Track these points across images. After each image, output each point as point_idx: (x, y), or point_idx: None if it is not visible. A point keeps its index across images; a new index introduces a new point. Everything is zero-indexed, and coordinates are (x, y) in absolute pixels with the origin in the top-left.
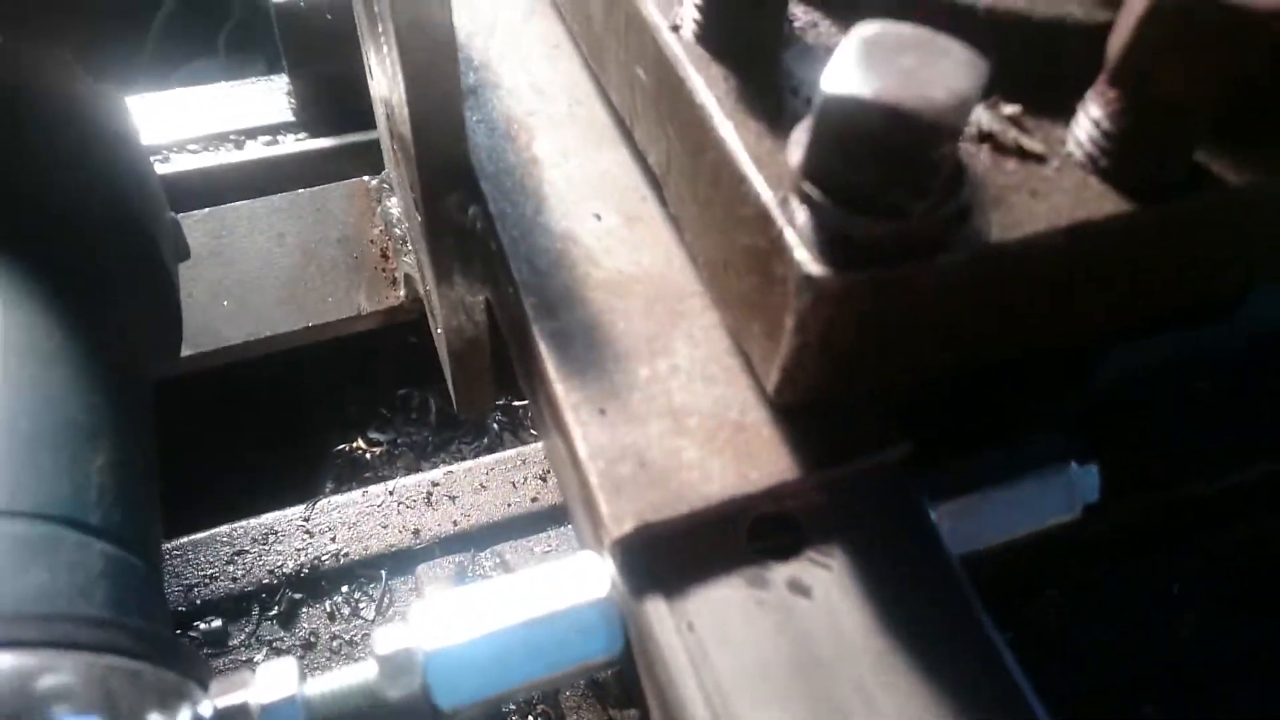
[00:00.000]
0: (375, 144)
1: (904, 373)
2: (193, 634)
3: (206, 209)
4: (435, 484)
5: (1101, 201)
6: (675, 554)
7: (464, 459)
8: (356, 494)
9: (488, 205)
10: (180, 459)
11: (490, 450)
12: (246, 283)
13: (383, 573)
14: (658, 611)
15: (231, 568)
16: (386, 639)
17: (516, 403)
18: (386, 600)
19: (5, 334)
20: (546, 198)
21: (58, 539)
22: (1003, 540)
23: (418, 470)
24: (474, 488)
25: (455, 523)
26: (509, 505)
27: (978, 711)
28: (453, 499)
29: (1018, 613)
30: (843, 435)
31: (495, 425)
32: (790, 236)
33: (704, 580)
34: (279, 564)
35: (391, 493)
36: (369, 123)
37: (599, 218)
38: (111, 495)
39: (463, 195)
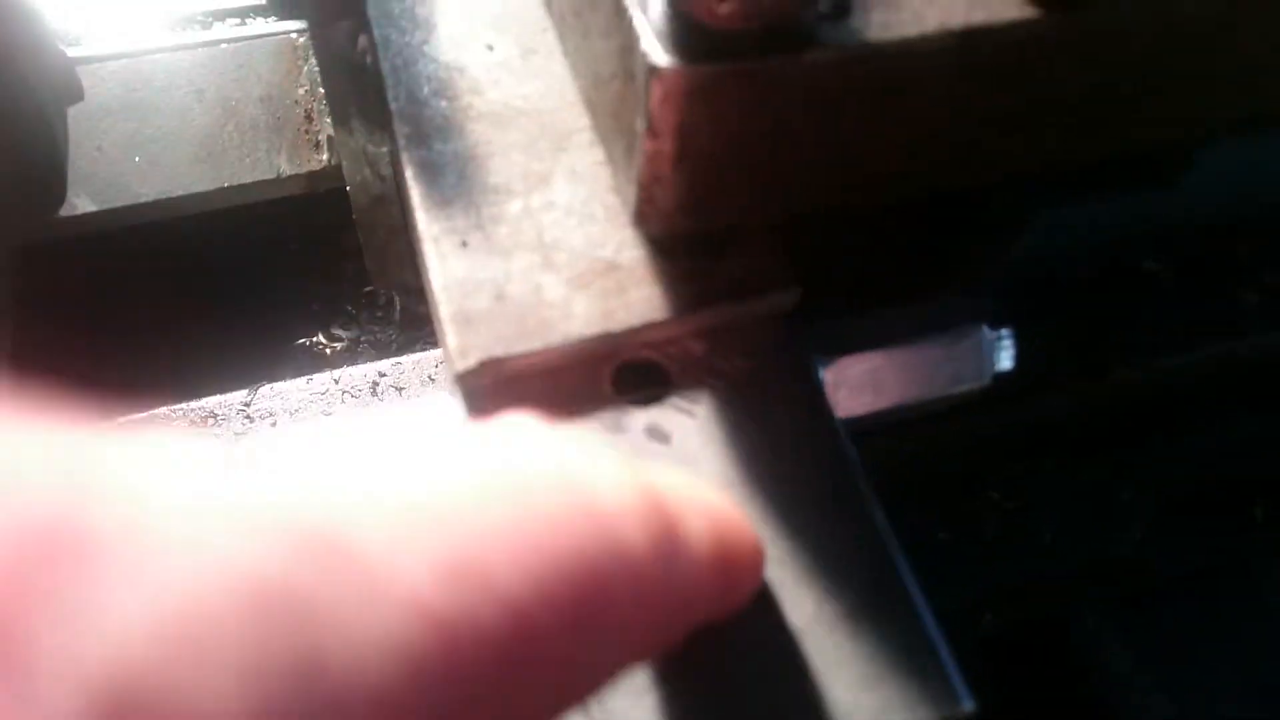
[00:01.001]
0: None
1: (778, 202)
2: None
3: (122, 60)
4: (382, 374)
5: (1004, 4)
6: (528, 394)
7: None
8: (301, 381)
9: (373, 32)
10: (120, 332)
11: None
12: (161, 139)
13: None
14: None
15: None
16: None
17: None
18: None
19: None
20: (437, 26)
21: None
22: (905, 403)
23: None
24: (422, 379)
25: None
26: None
27: (836, 569)
28: (400, 390)
29: (954, 510)
30: (723, 277)
31: None
32: (639, 23)
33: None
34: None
35: (337, 381)
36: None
37: (491, 49)
38: None
39: (353, 24)
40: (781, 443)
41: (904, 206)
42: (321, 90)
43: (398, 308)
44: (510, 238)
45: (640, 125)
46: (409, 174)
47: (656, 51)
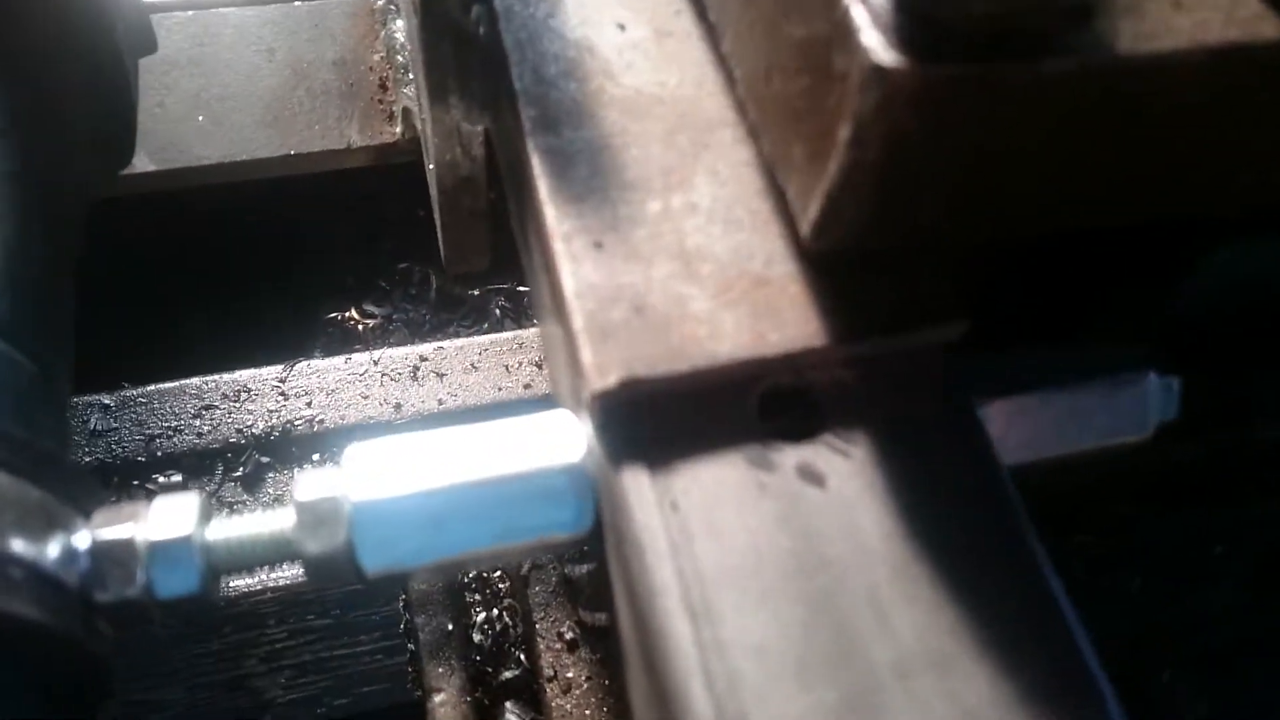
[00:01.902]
0: None
1: (971, 224)
2: (150, 488)
3: (190, 11)
4: (424, 358)
5: (1261, 23)
6: (667, 420)
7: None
8: (339, 360)
9: (493, 2)
10: (156, 298)
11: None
12: (227, 98)
13: None
14: (637, 483)
15: (198, 422)
16: (311, 483)
17: (522, 287)
18: None
19: None
20: (563, 0)
21: None
22: (1059, 454)
23: None
24: (465, 367)
25: (440, 401)
26: (499, 389)
27: (1013, 645)
28: (440, 376)
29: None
30: (885, 303)
31: (498, 310)
32: (859, 16)
33: (698, 454)
34: (249, 424)
35: (376, 362)
36: None
37: (623, 28)
38: (1, 283)
39: None
40: (946, 493)
41: (1074, 242)
42: (399, 58)
43: (433, 287)
44: (649, 242)
45: (844, 132)
46: (536, 162)
47: (880, 49)
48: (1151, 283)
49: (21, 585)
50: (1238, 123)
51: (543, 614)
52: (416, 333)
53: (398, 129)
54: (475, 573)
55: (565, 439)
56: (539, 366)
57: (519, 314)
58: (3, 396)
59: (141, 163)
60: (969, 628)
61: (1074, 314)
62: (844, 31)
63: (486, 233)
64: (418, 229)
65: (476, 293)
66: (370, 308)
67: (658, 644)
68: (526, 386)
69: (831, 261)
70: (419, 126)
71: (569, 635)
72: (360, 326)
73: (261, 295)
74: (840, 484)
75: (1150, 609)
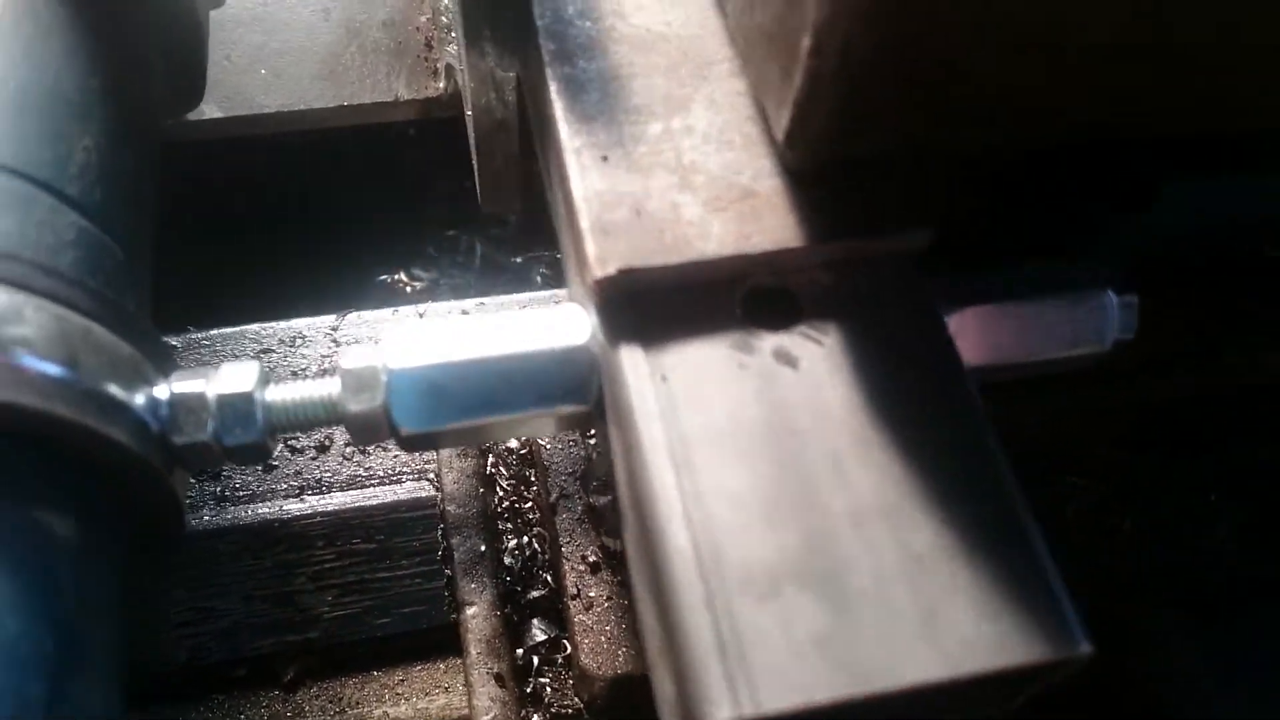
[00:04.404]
0: None
1: (931, 127)
2: None
3: None
4: (466, 313)
5: None
6: (660, 307)
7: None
8: (386, 311)
9: None
10: (221, 245)
11: None
12: (286, 53)
13: None
14: (633, 359)
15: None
16: (353, 355)
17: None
18: None
19: None
20: None
21: (31, 197)
22: (1020, 360)
23: None
24: None
25: None
26: None
27: (957, 499)
28: None
29: (1033, 496)
30: (859, 210)
31: (538, 278)
32: None
33: (686, 337)
34: (303, 367)
35: (422, 315)
36: None
37: None
38: (94, 175)
39: None
40: (908, 378)
41: (1042, 163)
42: (443, 20)
43: (478, 255)
44: (649, 157)
45: (805, 43)
46: (553, 88)
47: None
48: (1117, 207)
49: (119, 420)
50: (1182, 14)
51: (568, 539)
52: (462, 296)
53: (441, 84)
54: (507, 502)
55: (572, 325)
56: None
57: (559, 280)
58: (97, 269)
59: (210, 110)
60: (918, 485)
61: (1039, 232)
62: None
63: (519, 175)
64: (464, 200)
65: (519, 260)
66: (419, 271)
67: (646, 492)
68: None
69: (812, 177)
70: (459, 80)
71: (592, 558)
72: (409, 289)
73: (319, 252)
74: (811, 365)
75: (1142, 553)
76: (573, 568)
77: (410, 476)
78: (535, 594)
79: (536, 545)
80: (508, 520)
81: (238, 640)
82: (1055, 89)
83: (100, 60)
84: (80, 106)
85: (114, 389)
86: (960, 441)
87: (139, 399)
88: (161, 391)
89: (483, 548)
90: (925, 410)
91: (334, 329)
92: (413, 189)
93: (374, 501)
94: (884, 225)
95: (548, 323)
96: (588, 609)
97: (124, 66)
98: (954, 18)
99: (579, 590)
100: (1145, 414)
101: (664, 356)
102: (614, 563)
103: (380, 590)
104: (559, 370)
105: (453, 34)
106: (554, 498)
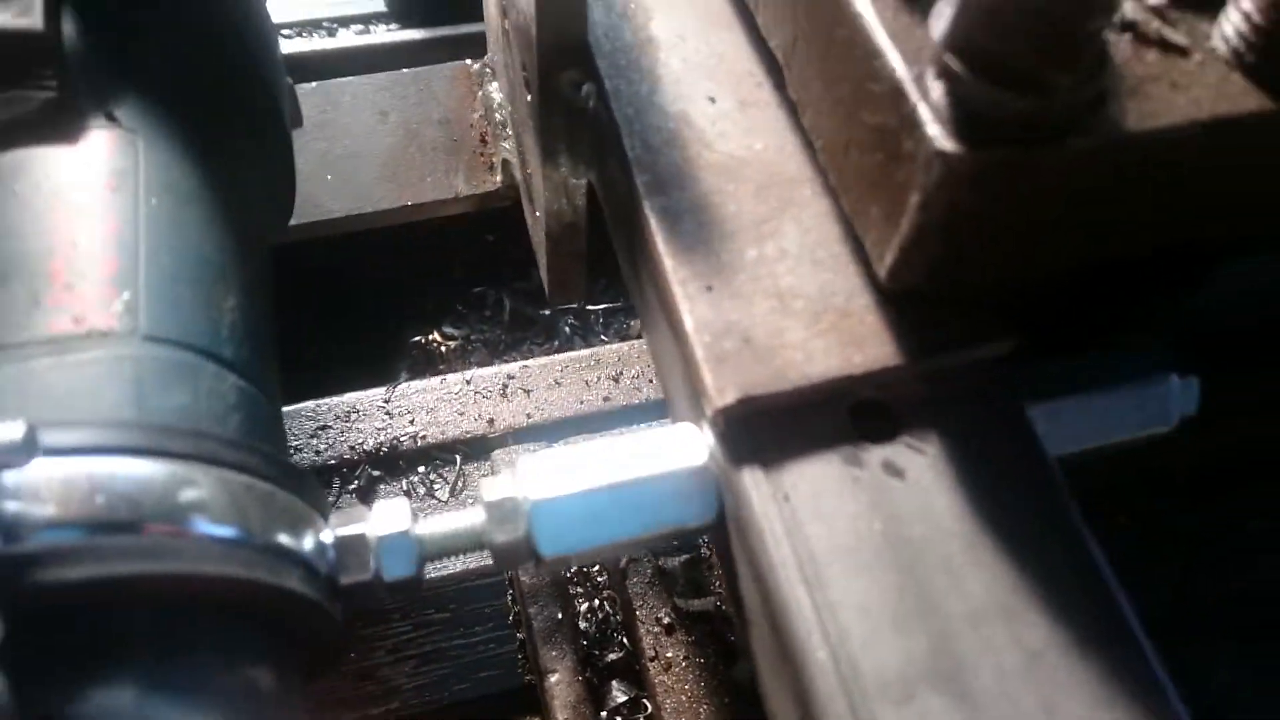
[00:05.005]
0: (462, 37)
1: (1018, 265)
2: None
3: (314, 82)
4: (511, 377)
5: (1245, 97)
6: (774, 429)
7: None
8: (435, 381)
9: (603, 83)
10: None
11: (561, 352)
12: (350, 158)
13: (458, 457)
14: (755, 480)
15: (315, 441)
16: (493, 487)
17: (591, 307)
18: (460, 483)
19: (145, 171)
20: (661, 78)
21: (197, 368)
22: (1097, 445)
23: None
24: (548, 383)
25: (529, 415)
26: (581, 402)
27: (1065, 599)
28: (527, 392)
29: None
30: (947, 327)
31: (567, 329)
32: (924, 112)
33: (801, 456)
34: (360, 441)
35: (469, 382)
36: (453, 17)
37: (713, 100)
38: (241, 333)
39: (577, 73)
40: (1005, 481)
41: (1100, 268)
42: (496, 116)
43: (506, 309)
44: (750, 284)
45: (914, 199)
46: (652, 221)
47: (942, 139)
48: (1171, 296)
49: (293, 570)
50: (1230, 175)
51: (641, 602)
52: (494, 351)
53: (498, 178)
54: (576, 568)
55: (691, 446)
56: (615, 380)
57: (586, 331)
58: (256, 429)
59: None
60: (1028, 586)
61: (1106, 327)
62: (912, 123)
63: (583, 270)
64: (485, 256)
65: (547, 312)
66: (449, 329)
67: (780, 610)
68: (605, 399)
69: (902, 296)
70: (518, 177)
71: (665, 620)
72: (442, 348)
73: (358, 324)
74: (918, 475)
75: (1184, 590)
76: (648, 630)
77: None
78: (613, 656)
79: (608, 608)
80: (578, 585)
81: None
82: (1135, 224)
83: (230, 214)
84: (220, 267)
85: (285, 539)
86: (1058, 537)
87: (307, 545)
88: (326, 535)
89: (559, 615)
90: (1024, 510)
91: (386, 401)
92: (428, 255)
93: (444, 572)
94: (974, 339)
95: (667, 444)
96: (666, 669)
97: (245, 212)
98: (1049, 182)
99: (656, 652)
100: (1186, 467)
101: (783, 476)
102: (687, 623)
103: (457, 658)
104: (685, 491)
105: (507, 129)
106: (624, 562)
